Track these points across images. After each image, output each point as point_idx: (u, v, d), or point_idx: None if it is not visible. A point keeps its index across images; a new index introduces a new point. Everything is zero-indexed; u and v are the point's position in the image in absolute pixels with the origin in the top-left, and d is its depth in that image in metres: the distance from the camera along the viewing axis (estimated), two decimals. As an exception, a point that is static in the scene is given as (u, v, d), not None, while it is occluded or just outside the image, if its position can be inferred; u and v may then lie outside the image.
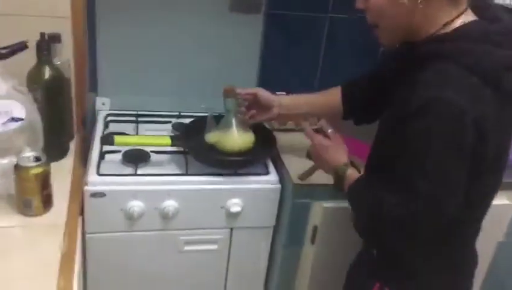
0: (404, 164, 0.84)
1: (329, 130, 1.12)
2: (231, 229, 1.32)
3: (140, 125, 1.47)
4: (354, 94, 1.22)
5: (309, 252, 1.33)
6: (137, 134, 1.41)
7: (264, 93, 1.26)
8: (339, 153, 1.07)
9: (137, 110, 1.53)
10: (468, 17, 0.87)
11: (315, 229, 1.30)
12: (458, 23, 0.86)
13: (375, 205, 0.87)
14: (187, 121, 1.52)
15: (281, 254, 1.36)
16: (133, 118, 1.50)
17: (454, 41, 0.84)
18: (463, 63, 0.82)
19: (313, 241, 1.31)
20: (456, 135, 0.80)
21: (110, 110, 1.52)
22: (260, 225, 1.34)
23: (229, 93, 1.28)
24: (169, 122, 1.50)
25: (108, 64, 1.48)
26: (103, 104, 1.52)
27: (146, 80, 1.53)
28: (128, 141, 1.24)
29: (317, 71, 1.66)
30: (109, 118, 1.48)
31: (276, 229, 1.36)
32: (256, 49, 1.56)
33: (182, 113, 1.55)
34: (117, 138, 1.21)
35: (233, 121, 1.30)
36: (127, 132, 1.39)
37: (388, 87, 0.99)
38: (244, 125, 1.30)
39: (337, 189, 1.04)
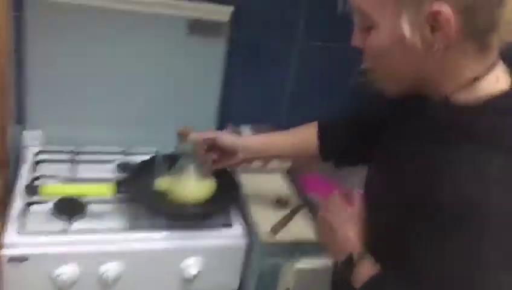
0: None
1: (358, 192, 0.83)
2: (186, 293, 1.11)
3: (79, 167, 1.22)
4: (334, 133, 1.02)
5: (280, 319, 1.13)
6: (74, 176, 1.17)
7: (225, 139, 1.04)
8: (353, 231, 0.79)
9: (75, 146, 1.30)
10: (499, 72, 0.65)
11: (287, 292, 1.10)
12: (491, 82, 0.64)
13: None
14: (135, 159, 1.29)
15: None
16: (69, 156, 1.26)
17: (494, 115, 0.63)
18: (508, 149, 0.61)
19: (284, 306, 1.12)
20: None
21: (41, 146, 1.28)
22: (221, 288, 1.13)
23: (184, 136, 1.08)
24: (114, 161, 1.27)
25: (40, 91, 1.24)
26: (33, 138, 1.27)
27: (86, 110, 1.29)
28: (60, 191, 1.00)
29: (285, 102, 1.48)
30: (40, 157, 1.23)
31: (240, 293, 1.16)
32: (217, 77, 1.37)
33: (129, 151, 1.33)
34: (44, 188, 0.97)
35: (190, 166, 1.11)
36: (60, 174, 1.15)
37: (377, 136, 0.80)
38: (202, 171, 1.11)
39: (339, 274, 0.80)
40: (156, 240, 1.04)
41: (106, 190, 1.03)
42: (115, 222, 1.06)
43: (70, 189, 1.02)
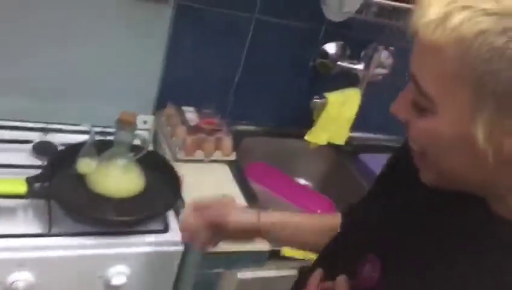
0: None
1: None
2: (110, 303, 0.98)
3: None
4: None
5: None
6: (-24, 161, 0.97)
7: (239, 224, 0.78)
8: None
9: (-18, 118, 1.09)
10: None
11: (225, 302, 1.01)
12: None
13: None
14: (57, 137, 1.11)
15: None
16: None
17: None
18: None
19: (220, 315, 1.03)
20: None
21: None
22: (150, 297, 1.02)
23: (125, 124, 0.92)
24: (31, 141, 1.08)
25: None
26: None
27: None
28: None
29: (234, 81, 1.34)
30: None
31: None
32: (160, 49, 1.18)
33: (48, 126, 1.13)
34: None
35: (122, 158, 0.96)
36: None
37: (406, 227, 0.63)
38: (134, 166, 0.97)
39: None
40: (77, 247, 0.89)
41: (18, 186, 0.86)
42: (28, 224, 0.89)
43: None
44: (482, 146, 0.47)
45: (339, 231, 0.76)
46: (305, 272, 0.78)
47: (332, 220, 0.79)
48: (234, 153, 1.22)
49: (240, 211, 0.81)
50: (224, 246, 0.94)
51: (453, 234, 0.56)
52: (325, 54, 1.37)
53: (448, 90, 0.48)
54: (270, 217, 0.80)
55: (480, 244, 0.54)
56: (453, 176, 0.53)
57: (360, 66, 1.38)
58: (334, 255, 0.72)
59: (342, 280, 0.62)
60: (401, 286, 0.58)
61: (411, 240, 0.60)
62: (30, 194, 0.87)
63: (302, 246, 0.87)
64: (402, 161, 0.64)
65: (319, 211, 1.30)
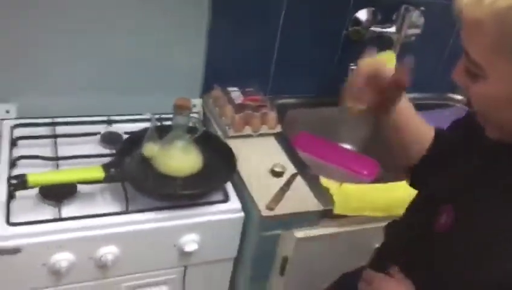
0: None
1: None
2: (185, 267, 1.10)
3: (60, 141, 1.15)
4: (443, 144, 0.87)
5: (277, 284, 1.15)
6: (56, 155, 1.10)
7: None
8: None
9: (53, 117, 1.21)
10: None
11: (285, 260, 1.11)
12: None
13: None
14: (120, 128, 1.23)
15: (245, 287, 1.16)
16: (49, 131, 1.18)
17: None
18: None
19: (282, 272, 1.13)
20: None
21: (17, 118, 1.19)
22: (219, 258, 1.13)
23: (181, 109, 1.02)
24: (97, 133, 1.20)
25: (7, 60, 1.13)
26: (7, 111, 1.18)
27: (62, 76, 1.20)
28: (47, 179, 0.94)
29: (273, 57, 1.41)
30: (17, 132, 1.15)
31: (238, 261, 1.16)
32: (202, 36, 1.27)
33: (111, 118, 1.26)
34: (31, 177, 0.91)
35: (181, 140, 1.06)
36: (42, 155, 1.08)
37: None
38: (192, 146, 1.07)
39: None
40: (152, 221, 1.01)
41: (96, 173, 0.98)
42: (108, 204, 1.02)
43: (59, 176, 0.96)
44: None
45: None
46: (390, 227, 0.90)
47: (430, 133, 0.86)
48: (279, 126, 1.30)
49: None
50: (280, 209, 1.05)
51: None
52: (357, 21, 1.42)
53: (493, 58, 0.57)
54: (405, 105, 0.83)
55: None
56: (508, 130, 0.63)
57: (392, 29, 1.42)
58: (416, 208, 0.84)
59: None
60: (472, 228, 0.69)
61: (478, 191, 0.69)
62: (107, 178, 0.99)
63: (405, 145, 0.88)
64: (465, 122, 0.75)
65: (365, 172, 1.37)
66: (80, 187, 1.02)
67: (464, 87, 0.64)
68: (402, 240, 0.84)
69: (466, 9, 0.58)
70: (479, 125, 0.67)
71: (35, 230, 0.93)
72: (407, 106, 0.85)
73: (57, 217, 0.96)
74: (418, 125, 0.88)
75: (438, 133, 0.89)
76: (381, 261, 0.89)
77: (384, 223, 1.14)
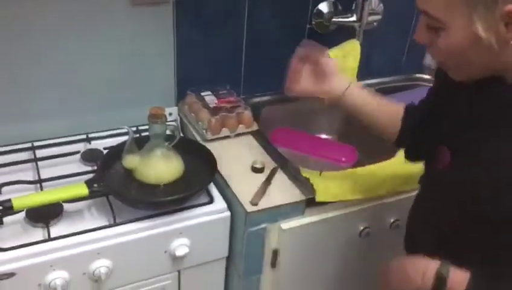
0: None
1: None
2: (178, 271, 1.12)
3: (41, 164, 1.17)
4: (415, 119, 0.97)
5: (270, 277, 1.18)
6: (39, 178, 1.12)
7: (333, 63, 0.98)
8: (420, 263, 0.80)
9: (32, 141, 1.23)
10: None
11: (275, 252, 1.14)
12: None
13: None
14: (99, 144, 1.25)
15: (239, 284, 1.19)
16: (30, 156, 1.20)
17: None
18: None
19: (273, 265, 1.16)
20: None
21: (-4, 147, 1.21)
22: (211, 259, 1.16)
23: (156, 118, 1.04)
24: (77, 152, 1.22)
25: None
26: (-15, 141, 1.20)
27: (38, 101, 1.22)
28: (31, 201, 0.96)
29: (242, 58, 1.44)
30: (-3, 160, 1.17)
31: (230, 259, 1.19)
32: (169, 45, 1.30)
33: (90, 135, 1.28)
34: (16, 201, 0.93)
35: (160, 148, 1.09)
36: (25, 178, 1.10)
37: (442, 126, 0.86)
38: (172, 153, 1.10)
39: None
40: (141, 230, 1.03)
41: (80, 190, 0.99)
42: (95, 219, 1.04)
43: (43, 196, 0.98)
44: (486, 39, 0.67)
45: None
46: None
47: (399, 110, 0.98)
48: (256, 124, 1.33)
49: (337, 79, 0.98)
50: (264, 203, 1.08)
51: (491, 112, 0.77)
52: (320, 14, 1.46)
53: (450, 10, 0.68)
54: (357, 92, 0.97)
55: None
56: (474, 71, 0.74)
57: (354, 18, 1.46)
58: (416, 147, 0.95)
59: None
60: (466, 164, 0.80)
61: (468, 131, 0.80)
62: (91, 194, 1.01)
63: (372, 123, 1.00)
64: (441, 74, 0.85)
65: (343, 158, 1.41)
66: (65, 206, 1.04)
67: (428, 45, 0.74)
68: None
69: None
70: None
71: (27, 252, 0.95)
72: (357, 92, 0.97)
73: (47, 237, 0.98)
74: (378, 107, 0.98)
75: (408, 107, 0.98)
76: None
77: (366, 205, 1.18)
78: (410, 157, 1.00)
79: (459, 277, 0.74)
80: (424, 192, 0.95)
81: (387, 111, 0.99)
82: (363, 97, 0.98)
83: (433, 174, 0.90)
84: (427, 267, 0.77)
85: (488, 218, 0.77)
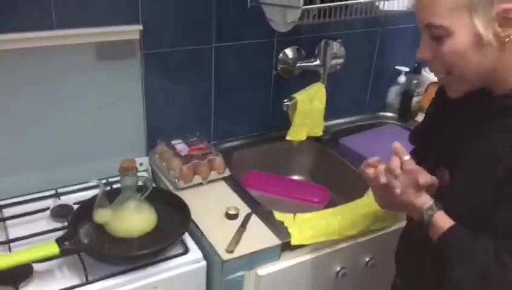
0: None
1: (406, 157, 0.87)
2: (155, 326, 1.09)
3: (9, 223, 1.13)
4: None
5: (250, 325, 1.17)
6: (7, 238, 1.08)
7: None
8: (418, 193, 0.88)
9: (-1, 200, 1.20)
10: None
11: (253, 300, 1.13)
12: None
13: (490, 263, 0.76)
14: (69, 199, 1.23)
15: (218, 335, 1.17)
16: (-4, 215, 1.16)
17: None
18: None
19: (252, 313, 1.15)
20: None
21: (-41, 209, 1.17)
22: (189, 311, 1.13)
23: (127, 170, 1.04)
24: (46, 208, 1.19)
25: None
26: None
27: (2, 157, 1.19)
28: (1, 264, 0.92)
29: (211, 107, 1.46)
30: (-38, 222, 1.13)
31: (207, 310, 1.17)
32: (138, 96, 1.31)
33: (59, 190, 1.25)
34: (-18, 267, 0.90)
35: (132, 200, 1.08)
36: (-8, 240, 1.07)
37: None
38: (144, 204, 1.09)
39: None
40: (114, 287, 1.00)
41: (50, 249, 0.97)
42: (67, 278, 1.01)
43: (12, 258, 0.94)
44: (486, 37, 0.74)
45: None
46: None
47: None
48: (227, 169, 1.34)
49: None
50: (240, 250, 1.07)
51: (482, 123, 0.83)
52: (284, 60, 1.51)
53: (453, 15, 0.75)
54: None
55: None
56: (476, 76, 0.80)
57: (317, 62, 1.52)
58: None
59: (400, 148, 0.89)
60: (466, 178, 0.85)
61: (464, 148, 0.86)
62: (63, 252, 0.98)
63: None
64: (438, 96, 0.97)
65: (315, 199, 1.43)
66: (35, 266, 1.01)
67: (432, 58, 0.81)
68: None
69: None
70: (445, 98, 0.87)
71: (-5, 319, 0.91)
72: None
73: (16, 301, 0.94)
74: None
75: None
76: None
77: (340, 246, 1.19)
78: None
79: (442, 219, 0.84)
80: None
81: None
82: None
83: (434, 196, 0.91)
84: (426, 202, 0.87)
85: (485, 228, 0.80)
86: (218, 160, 1.33)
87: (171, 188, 1.28)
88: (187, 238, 1.13)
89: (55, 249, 0.97)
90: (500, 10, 0.73)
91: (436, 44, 0.78)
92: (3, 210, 1.18)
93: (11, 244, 1.07)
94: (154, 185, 1.29)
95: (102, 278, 1.00)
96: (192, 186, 1.28)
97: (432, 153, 0.96)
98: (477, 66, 0.78)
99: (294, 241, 1.11)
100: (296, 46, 1.51)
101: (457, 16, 0.75)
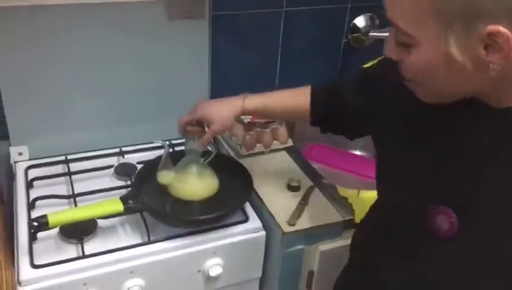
0: None
1: None
2: (211, 291, 1.10)
3: (75, 178, 1.16)
4: (324, 99, 0.99)
5: (305, 299, 1.15)
6: (73, 192, 1.10)
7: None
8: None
9: (65, 155, 1.22)
10: None
11: (311, 274, 1.10)
12: None
13: None
14: (132, 158, 1.24)
15: (272, 306, 1.16)
16: (63, 169, 1.19)
17: None
18: None
19: (308, 286, 1.12)
20: None
21: (30, 159, 1.20)
22: (245, 279, 1.12)
23: (194, 134, 1.02)
24: (111, 166, 1.20)
25: (16, 102, 1.15)
26: (20, 153, 1.19)
27: (71, 113, 1.21)
28: (67, 218, 0.94)
29: (276, 72, 1.42)
30: (31, 173, 1.16)
31: (263, 280, 1.15)
32: (205, 58, 1.29)
33: (123, 149, 1.26)
34: (52, 218, 0.91)
35: (195, 164, 1.07)
36: (59, 194, 1.09)
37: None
38: (207, 169, 1.08)
39: None
40: (175, 249, 1.00)
41: (115, 206, 0.97)
42: (129, 236, 1.02)
43: (79, 213, 0.96)
44: (461, 61, 0.57)
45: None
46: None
47: (304, 101, 1.00)
48: (290, 140, 1.30)
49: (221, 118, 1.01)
50: (302, 223, 1.04)
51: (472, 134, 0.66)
52: (356, 28, 1.43)
53: (421, 25, 0.58)
54: (252, 105, 1.01)
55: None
56: (445, 94, 0.64)
57: (391, 32, 1.42)
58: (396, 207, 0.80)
59: None
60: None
61: (475, 182, 0.66)
62: (126, 210, 0.99)
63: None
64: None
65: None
66: (99, 222, 1.03)
67: (399, 61, 0.65)
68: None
69: None
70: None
71: (60, 270, 0.93)
72: (251, 109, 1.00)
73: (80, 255, 0.96)
74: (281, 98, 1.03)
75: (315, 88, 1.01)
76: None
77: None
78: (326, 131, 1.05)
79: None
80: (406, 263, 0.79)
81: (293, 97, 1.02)
82: (260, 110, 1.02)
83: (429, 247, 0.73)
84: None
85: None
86: (282, 130, 1.29)
87: (232, 154, 1.26)
88: (248, 206, 1.11)
89: (119, 206, 0.97)
90: (487, 32, 0.54)
91: (402, 50, 0.62)
92: (70, 165, 1.20)
93: (77, 198, 1.08)
94: (217, 151, 1.27)
95: (163, 239, 1.01)
96: (253, 154, 1.26)
97: (414, 184, 0.74)
98: (448, 85, 0.62)
99: (358, 219, 1.06)
100: (370, 14, 1.42)
101: (426, 29, 0.58)
